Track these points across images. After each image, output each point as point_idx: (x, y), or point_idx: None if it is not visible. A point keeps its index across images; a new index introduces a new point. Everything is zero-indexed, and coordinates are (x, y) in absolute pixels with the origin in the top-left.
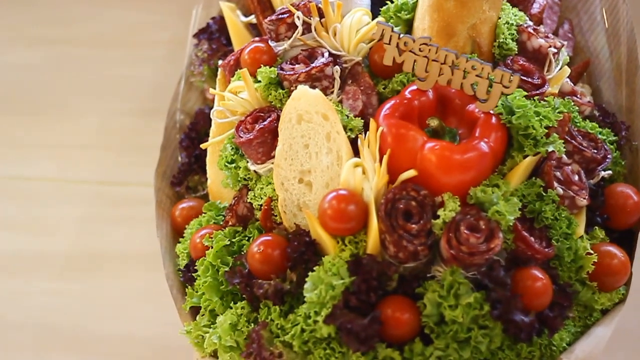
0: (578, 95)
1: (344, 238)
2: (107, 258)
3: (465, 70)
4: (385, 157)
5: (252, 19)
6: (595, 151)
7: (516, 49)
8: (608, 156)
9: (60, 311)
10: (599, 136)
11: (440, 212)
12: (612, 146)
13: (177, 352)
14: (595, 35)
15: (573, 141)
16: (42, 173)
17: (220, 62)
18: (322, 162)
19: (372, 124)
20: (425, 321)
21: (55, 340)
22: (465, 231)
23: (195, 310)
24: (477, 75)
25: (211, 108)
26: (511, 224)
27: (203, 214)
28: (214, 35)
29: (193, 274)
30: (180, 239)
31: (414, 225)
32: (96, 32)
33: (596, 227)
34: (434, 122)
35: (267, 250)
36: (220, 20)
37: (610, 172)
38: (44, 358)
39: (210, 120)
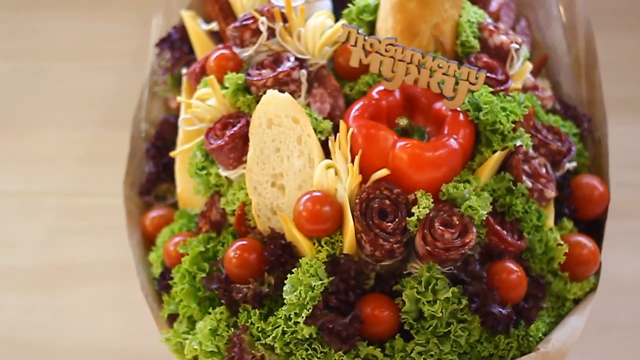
0: (540, 90)
1: (320, 239)
2: (75, 270)
3: (432, 69)
4: (357, 158)
5: (214, 26)
6: (560, 144)
7: (478, 47)
8: (572, 148)
9: (28, 326)
10: (562, 129)
11: (414, 209)
12: (575, 138)
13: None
14: (552, 30)
15: (538, 135)
16: (4, 187)
17: (183, 70)
18: (294, 165)
19: (342, 125)
20: (405, 318)
21: (24, 356)
22: (440, 227)
23: (171, 318)
24: (443, 74)
25: (176, 117)
26: (484, 218)
27: (175, 222)
28: (176, 44)
29: (169, 282)
30: (153, 248)
31: (389, 224)
32: (57, 44)
33: (564, 219)
34: (403, 121)
35: (244, 255)
36: (181, 29)
37: (575, 164)
38: None
39: (176, 128)
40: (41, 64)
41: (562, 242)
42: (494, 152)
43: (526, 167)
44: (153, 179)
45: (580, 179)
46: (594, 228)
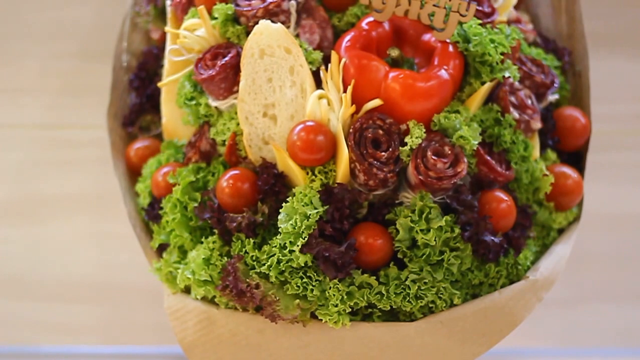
0: (523, 23)
1: (314, 169)
2: (49, 203)
3: (423, 0)
4: (349, 88)
5: None
6: (544, 76)
7: None
8: (555, 80)
9: (2, 258)
10: (544, 62)
11: (407, 139)
12: (556, 71)
13: (125, 292)
14: None
15: (523, 67)
16: None
17: (168, 1)
18: (286, 95)
19: (334, 55)
20: (398, 246)
21: None
22: (433, 157)
23: (160, 249)
24: (434, 5)
25: (158, 48)
26: (475, 148)
27: (161, 153)
28: None
29: (159, 212)
30: (139, 178)
31: (383, 153)
32: None
33: (548, 150)
34: (394, 52)
35: (237, 184)
36: None
37: (557, 96)
38: None
39: (159, 59)
40: None
41: (547, 173)
42: (483, 83)
43: (513, 99)
44: (137, 110)
45: (563, 111)
46: (575, 160)
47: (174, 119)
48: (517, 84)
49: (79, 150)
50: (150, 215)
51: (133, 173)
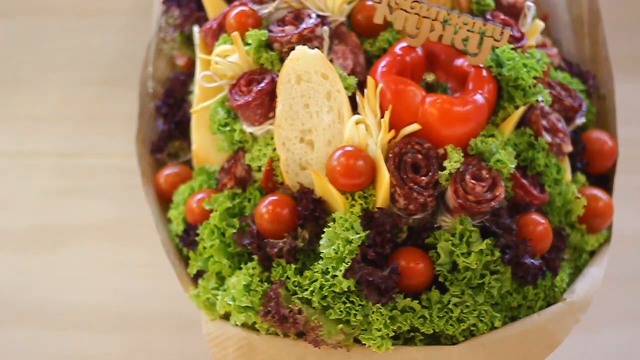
0: (548, 48)
1: (354, 194)
2: (70, 230)
3: (457, 26)
4: (387, 113)
5: None
6: (572, 100)
7: (493, 5)
8: (583, 104)
9: (22, 287)
10: (570, 86)
11: (446, 163)
12: (582, 95)
13: (148, 320)
14: None
15: (553, 91)
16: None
17: (195, 28)
18: (324, 121)
19: (371, 81)
20: (440, 270)
21: (19, 316)
22: (472, 181)
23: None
24: (468, 31)
25: (183, 74)
26: (512, 172)
27: (194, 179)
28: (183, 1)
29: (195, 239)
30: (172, 205)
31: (423, 178)
32: (51, 2)
33: (578, 173)
34: (430, 77)
35: (276, 210)
36: None
37: (584, 119)
38: (6, 333)
39: (185, 86)
40: (40, 22)
41: (579, 196)
42: (517, 107)
43: (544, 123)
44: (165, 137)
45: (591, 134)
46: (602, 182)
47: (205, 145)
48: (547, 107)
49: (99, 178)
50: (185, 242)
51: (162, 200)
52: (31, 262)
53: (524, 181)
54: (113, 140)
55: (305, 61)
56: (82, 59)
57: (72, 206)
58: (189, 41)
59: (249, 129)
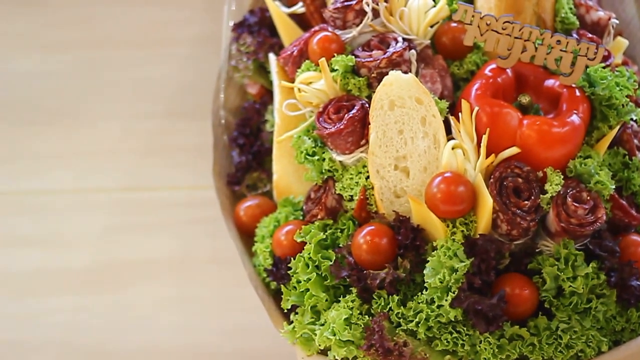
0: (630, 65)
1: (454, 220)
2: (130, 267)
3: (550, 45)
4: (484, 137)
5: (298, 8)
6: None
7: (577, 23)
8: None
9: (85, 328)
10: None
11: (547, 186)
12: None
13: (211, 358)
14: (624, 5)
15: None
16: (59, 185)
17: (272, 55)
18: (419, 147)
19: (465, 104)
20: (545, 295)
21: (82, 357)
22: (573, 204)
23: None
24: (561, 50)
25: (257, 103)
26: (612, 193)
27: (278, 211)
28: (254, 28)
29: (288, 272)
30: (257, 238)
31: (526, 202)
32: (113, 33)
33: None
34: (525, 99)
35: (375, 240)
36: (257, 13)
37: None
38: None
39: (260, 115)
40: (98, 54)
41: None
42: (610, 127)
43: (636, 142)
44: (243, 167)
45: None
46: None
47: (287, 175)
48: (635, 125)
49: (161, 213)
50: (275, 276)
51: (242, 233)
52: (91, 301)
53: (623, 202)
54: (174, 173)
55: (398, 86)
56: (142, 91)
57: (132, 242)
58: (261, 68)
59: (338, 157)
